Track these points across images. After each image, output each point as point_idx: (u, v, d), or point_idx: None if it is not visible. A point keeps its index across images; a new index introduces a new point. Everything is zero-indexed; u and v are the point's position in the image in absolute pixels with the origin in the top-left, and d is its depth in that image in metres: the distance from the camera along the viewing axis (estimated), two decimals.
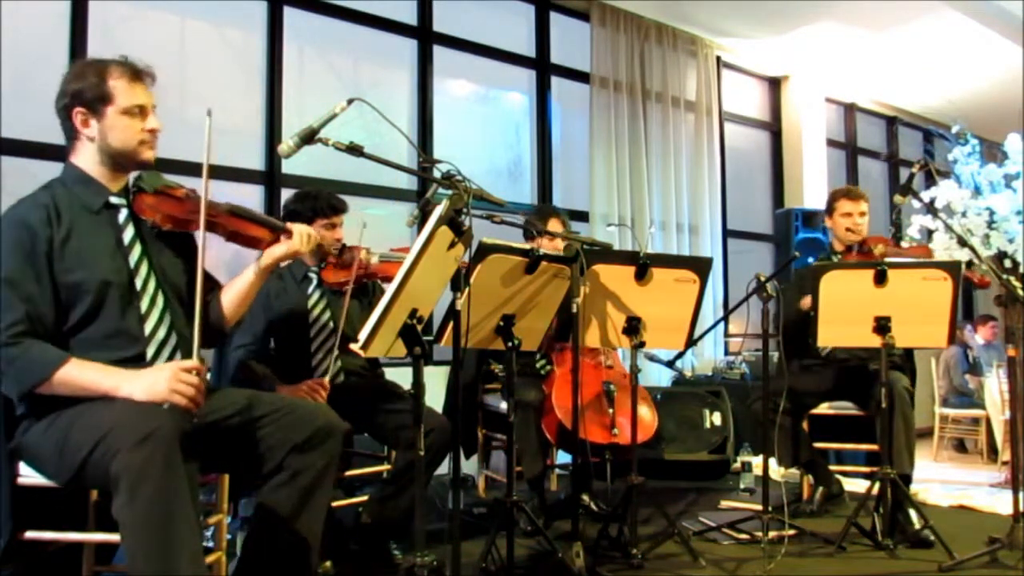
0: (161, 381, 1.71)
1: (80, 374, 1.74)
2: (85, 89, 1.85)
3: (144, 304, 1.90)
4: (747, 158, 6.87)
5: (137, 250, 1.93)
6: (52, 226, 1.82)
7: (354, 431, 2.69)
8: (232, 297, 2.09)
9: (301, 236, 2.09)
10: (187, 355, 1.94)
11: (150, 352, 1.89)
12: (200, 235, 1.85)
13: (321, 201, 2.84)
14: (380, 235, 2.61)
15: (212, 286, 2.11)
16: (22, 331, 1.74)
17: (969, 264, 3.30)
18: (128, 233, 1.93)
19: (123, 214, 1.94)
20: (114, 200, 1.93)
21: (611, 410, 3.17)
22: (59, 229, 1.83)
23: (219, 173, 3.30)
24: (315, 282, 2.91)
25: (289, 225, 2.12)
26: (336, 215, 2.87)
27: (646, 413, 3.32)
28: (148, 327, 1.89)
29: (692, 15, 5.81)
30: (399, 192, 4.69)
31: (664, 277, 2.81)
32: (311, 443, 1.86)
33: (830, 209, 3.64)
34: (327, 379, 2.67)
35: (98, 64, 1.88)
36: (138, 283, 1.91)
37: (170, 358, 1.91)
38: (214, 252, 3.79)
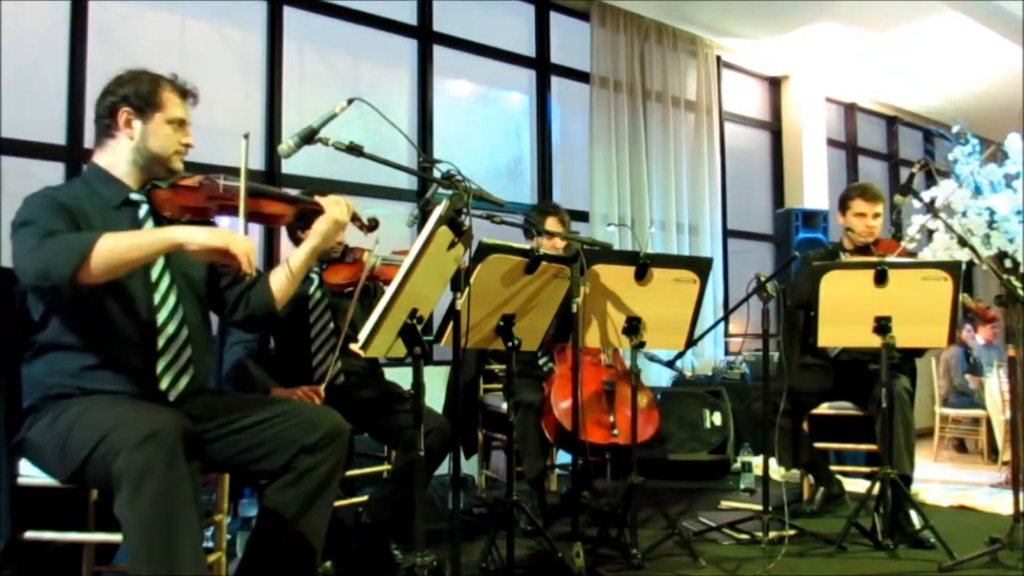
0: (221, 230, 1.76)
1: (122, 237, 1.73)
2: (138, 93, 1.94)
3: (157, 297, 1.92)
4: (747, 158, 6.87)
5: None
6: (72, 206, 1.85)
7: (354, 431, 2.69)
8: (281, 280, 2.10)
9: (334, 206, 2.10)
10: (198, 350, 1.98)
11: (160, 343, 1.90)
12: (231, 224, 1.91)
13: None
14: (380, 235, 2.60)
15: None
16: (56, 231, 1.74)
17: (968, 270, 3.29)
18: (147, 228, 1.96)
19: (143, 210, 1.98)
20: (134, 197, 1.97)
21: (611, 409, 3.17)
22: (79, 211, 1.86)
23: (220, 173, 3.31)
24: (316, 283, 2.91)
25: (318, 198, 2.12)
26: None
27: (647, 412, 3.31)
28: (160, 318, 1.91)
29: (692, 15, 5.81)
30: (399, 192, 4.69)
31: (664, 277, 2.81)
32: (320, 445, 1.88)
33: (843, 207, 3.53)
34: (323, 385, 2.66)
35: (154, 75, 1.99)
36: (153, 275, 1.93)
37: (180, 352, 1.93)
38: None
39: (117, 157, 1.97)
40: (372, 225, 2.44)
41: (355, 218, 2.23)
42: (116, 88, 1.95)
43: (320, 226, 2.10)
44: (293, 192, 2.17)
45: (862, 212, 3.46)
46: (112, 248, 1.69)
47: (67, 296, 1.75)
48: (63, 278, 1.66)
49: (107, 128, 1.96)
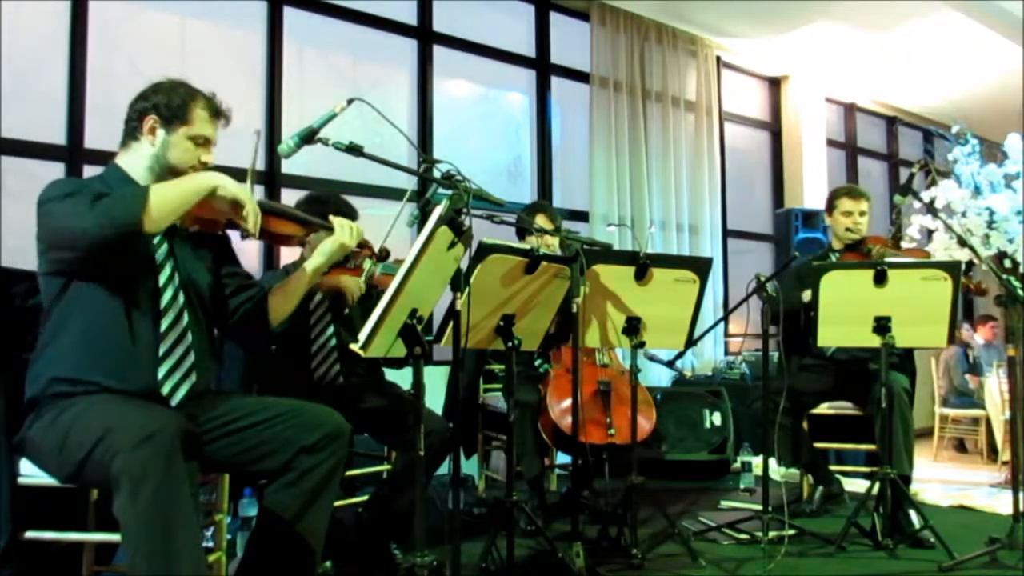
0: (246, 187, 1.88)
1: (168, 186, 1.84)
2: (169, 104, 1.96)
3: (162, 302, 1.93)
4: (747, 158, 6.87)
5: (163, 248, 1.97)
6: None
7: (354, 431, 2.69)
8: (280, 297, 2.12)
9: (343, 229, 2.12)
10: (201, 356, 1.98)
11: (163, 348, 1.91)
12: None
13: (330, 206, 2.80)
14: (379, 235, 2.61)
15: (252, 286, 2.14)
16: (101, 194, 1.79)
17: (968, 270, 3.30)
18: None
19: None
20: None
21: (607, 409, 3.16)
22: None
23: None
24: None
25: (332, 219, 2.13)
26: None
27: (644, 411, 3.31)
28: (164, 323, 1.92)
29: (692, 15, 5.81)
30: (399, 192, 4.67)
31: (664, 277, 2.81)
32: (320, 445, 1.89)
33: (830, 207, 3.64)
34: (363, 280, 2.64)
35: (191, 89, 2.01)
36: (160, 279, 1.94)
37: (182, 358, 1.93)
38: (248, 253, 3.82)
39: (137, 161, 1.98)
40: (383, 255, 2.45)
41: (365, 245, 2.23)
42: (150, 94, 1.98)
43: (326, 247, 2.11)
44: (304, 214, 2.18)
45: (849, 210, 3.56)
46: (164, 194, 1.78)
47: (130, 248, 1.80)
48: (131, 223, 1.71)
49: (133, 131, 1.98)
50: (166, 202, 1.77)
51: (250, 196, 1.88)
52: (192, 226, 1.99)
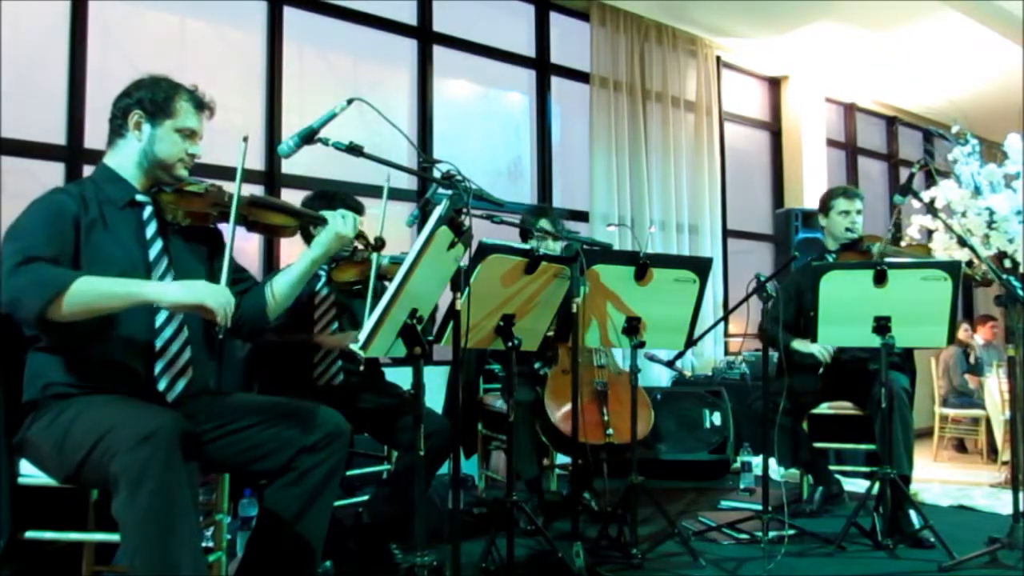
0: (198, 286, 1.75)
1: (98, 284, 1.73)
2: (153, 99, 1.97)
3: None
4: (747, 158, 6.87)
5: (157, 245, 1.97)
6: (80, 210, 1.87)
7: (354, 431, 2.69)
8: (277, 289, 2.09)
9: (338, 219, 2.09)
10: (198, 351, 1.98)
11: (159, 344, 1.91)
12: (228, 231, 1.94)
13: (337, 202, 2.81)
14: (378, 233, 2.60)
15: (245, 280, 2.13)
16: (36, 258, 1.74)
17: (970, 263, 3.30)
18: (150, 229, 1.98)
19: (147, 211, 2.00)
20: (139, 198, 1.99)
21: (604, 409, 3.16)
22: (86, 216, 1.88)
23: (219, 173, 3.31)
24: (323, 279, 2.91)
25: (324, 212, 2.13)
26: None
27: (639, 411, 3.30)
28: (159, 319, 1.92)
29: (692, 15, 5.81)
30: (399, 192, 4.69)
31: (664, 277, 2.81)
32: (320, 445, 1.89)
33: (825, 208, 3.65)
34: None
35: (173, 83, 2.02)
36: (155, 276, 1.94)
37: (179, 354, 1.93)
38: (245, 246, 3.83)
39: (125, 159, 1.99)
40: (378, 245, 2.45)
41: (361, 235, 2.23)
42: (133, 91, 1.99)
43: (322, 237, 2.09)
44: (294, 205, 2.18)
45: (846, 210, 3.57)
46: (85, 293, 1.70)
47: (34, 328, 1.76)
48: (31, 313, 1.68)
49: (119, 128, 1.99)
50: (86, 301, 1.70)
51: (205, 293, 1.74)
52: (184, 220, 2.00)
